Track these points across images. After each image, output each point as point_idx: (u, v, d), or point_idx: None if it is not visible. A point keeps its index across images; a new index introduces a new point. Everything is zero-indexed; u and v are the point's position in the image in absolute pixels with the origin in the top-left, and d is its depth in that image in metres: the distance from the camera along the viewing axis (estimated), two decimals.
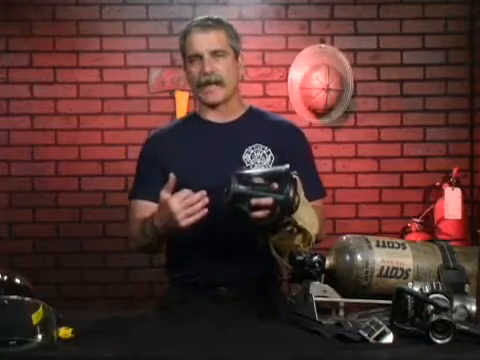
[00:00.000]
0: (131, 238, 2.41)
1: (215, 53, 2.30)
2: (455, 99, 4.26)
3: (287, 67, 4.20)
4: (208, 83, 2.31)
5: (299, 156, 2.35)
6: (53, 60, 4.21)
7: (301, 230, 2.08)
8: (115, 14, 4.23)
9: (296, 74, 4.18)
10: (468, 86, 4.25)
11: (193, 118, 2.45)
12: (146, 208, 2.35)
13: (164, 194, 2.11)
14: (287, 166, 2.07)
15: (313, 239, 2.10)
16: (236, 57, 2.36)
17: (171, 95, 4.15)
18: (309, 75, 4.13)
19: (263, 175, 2.08)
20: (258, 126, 2.39)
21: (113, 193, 4.15)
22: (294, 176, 2.04)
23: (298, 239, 2.09)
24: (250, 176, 2.07)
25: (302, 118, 4.14)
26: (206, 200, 2.06)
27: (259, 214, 2.03)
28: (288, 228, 2.06)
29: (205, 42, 2.30)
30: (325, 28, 4.24)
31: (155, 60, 4.18)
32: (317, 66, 4.14)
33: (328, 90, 4.09)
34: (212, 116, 2.39)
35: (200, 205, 2.07)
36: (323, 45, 4.20)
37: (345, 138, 4.25)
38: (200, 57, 2.30)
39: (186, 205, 2.07)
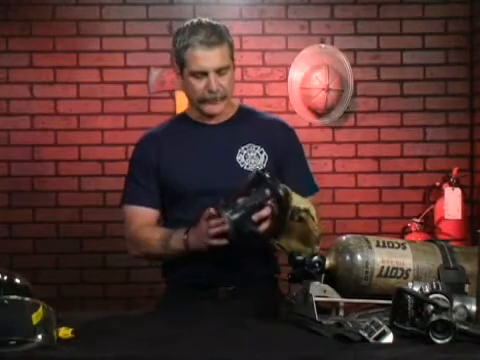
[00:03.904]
0: (135, 243, 2.38)
1: (219, 70, 2.30)
2: (455, 99, 4.26)
3: (287, 67, 4.20)
4: (214, 99, 2.31)
5: (292, 154, 2.35)
6: (53, 60, 4.21)
7: (307, 213, 2.11)
8: (115, 14, 4.23)
9: (296, 74, 4.19)
10: (468, 86, 4.25)
11: (184, 119, 2.44)
12: (147, 215, 2.36)
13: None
14: (257, 169, 2.16)
15: (316, 218, 2.13)
16: (234, 64, 2.36)
17: (171, 95, 4.15)
18: (309, 75, 4.13)
19: (243, 191, 2.12)
20: (250, 125, 2.39)
21: (113, 193, 4.14)
22: (267, 175, 2.09)
23: (311, 223, 2.11)
24: (234, 200, 2.10)
25: (302, 118, 4.14)
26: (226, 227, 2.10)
27: (266, 225, 2.09)
28: (295, 218, 2.08)
29: (210, 59, 2.27)
30: (325, 28, 4.24)
31: (155, 60, 4.18)
32: (317, 66, 4.14)
33: (328, 90, 4.09)
34: (204, 118, 2.38)
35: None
36: (323, 45, 4.20)
37: (345, 138, 4.25)
38: (204, 73, 2.29)
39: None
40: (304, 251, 2.11)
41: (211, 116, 2.36)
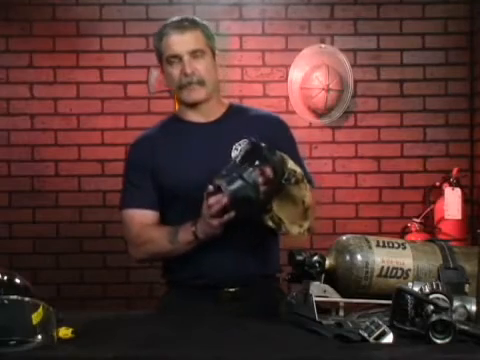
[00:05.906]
0: (139, 244, 2.36)
1: (194, 53, 2.30)
2: (455, 99, 4.26)
3: (287, 67, 4.20)
4: (190, 84, 2.31)
5: (286, 149, 2.33)
6: (53, 60, 4.21)
7: (302, 179, 2.10)
8: (115, 14, 4.23)
9: (296, 74, 4.19)
10: (468, 86, 4.25)
11: (175, 120, 2.44)
12: (146, 216, 2.35)
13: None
14: (250, 138, 2.12)
15: (308, 192, 2.11)
16: (214, 56, 2.36)
17: (171, 95, 4.15)
18: (309, 75, 4.13)
19: (239, 161, 2.10)
20: (242, 122, 2.38)
21: (113, 193, 4.13)
22: (262, 144, 2.08)
23: (303, 189, 2.10)
24: (230, 171, 2.09)
25: (302, 118, 4.14)
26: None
27: (264, 189, 2.05)
28: (292, 180, 2.07)
29: (183, 43, 2.31)
30: (325, 28, 4.24)
31: (155, 60, 4.14)
32: (317, 66, 4.14)
33: (328, 90, 4.09)
34: (194, 117, 2.38)
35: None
36: (323, 45, 4.20)
37: (345, 138, 4.25)
38: (179, 58, 2.31)
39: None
40: (291, 227, 2.10)
41: (192, 106, 2.35)
